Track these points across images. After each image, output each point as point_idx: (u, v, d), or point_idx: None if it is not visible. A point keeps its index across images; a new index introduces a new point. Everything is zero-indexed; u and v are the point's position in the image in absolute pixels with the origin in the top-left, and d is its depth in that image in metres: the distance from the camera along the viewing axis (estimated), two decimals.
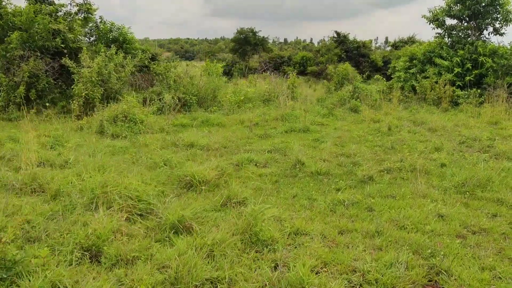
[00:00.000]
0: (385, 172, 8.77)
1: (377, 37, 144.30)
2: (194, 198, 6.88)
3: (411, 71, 23.65)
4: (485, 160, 9.99)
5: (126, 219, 5.68)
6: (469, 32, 23.31)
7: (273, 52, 60.52)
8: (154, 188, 6.71)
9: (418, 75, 23.08)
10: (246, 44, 54.18)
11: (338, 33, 61.57)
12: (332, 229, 5.79)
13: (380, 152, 10.81)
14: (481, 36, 23.41)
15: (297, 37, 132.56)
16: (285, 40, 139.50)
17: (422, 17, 23.91)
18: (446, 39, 23.86)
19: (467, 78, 21.41)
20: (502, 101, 18.02)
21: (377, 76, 25.50)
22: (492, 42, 22.66)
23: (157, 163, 8.64)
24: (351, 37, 61.35)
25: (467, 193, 7.45)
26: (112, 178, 6.47)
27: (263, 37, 55.28)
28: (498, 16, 22.49)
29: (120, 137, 11.62)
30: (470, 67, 21.68)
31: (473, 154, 10.57)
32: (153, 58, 20.44)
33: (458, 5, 22.59)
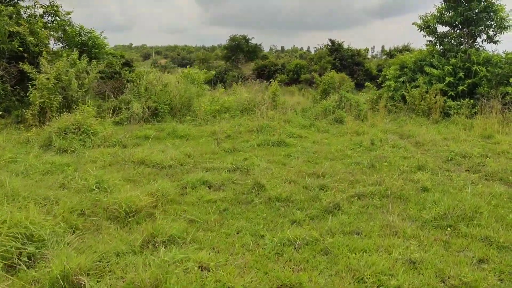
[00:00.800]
0: (356, 198, 7.42)
1: (374, 46, 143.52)
2: (113, 235, 5.53)
3: (401, 79, 22.37)
4: (474, 182, 8.66)
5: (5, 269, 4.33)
6: (462, 39, 22.06)
7: (268, 59, 59.25)
8: (59, 222, 5.35)
9: (408, 84, 21.82)
10: (239, 51, 52.99)
11: (332, 41, 60.50)
12: (268, 283, 4.44)
13: (357, 171, 9.47)
14: (474, 44, 22.15)
15: (294, 45, 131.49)
16: (282, 48, 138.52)
17: (413, 24, 22.67)
18: (438, 47, 22.60)
19: (460, 87, 20.14)
20: (496, 113, 16.71)
21: (367, 84, 24.20)
22: (486, 50, 21.41)
23: (89, 185, 7.28)
24: (345, 46, 60.47)
25: (449, 228, 6.10)
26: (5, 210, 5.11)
27: (256, 44, 54.12)
28: (492, 23, 21.24)
29: (68, 151, 10.28)
30: (463, 76, 20.42)
31: (461, 175, 9.23)
32: (128, 64, 19.12)
33: (450, 11, 21.36)
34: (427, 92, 19.90)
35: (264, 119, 14.67)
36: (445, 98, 19.63)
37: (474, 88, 20.32)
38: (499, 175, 9.25)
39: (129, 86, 16.38)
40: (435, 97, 19.24)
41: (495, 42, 21.72)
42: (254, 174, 8.57)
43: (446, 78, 20.48)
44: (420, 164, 9.93)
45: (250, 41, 53.68)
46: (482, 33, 21.86)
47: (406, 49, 54.94)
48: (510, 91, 18.23)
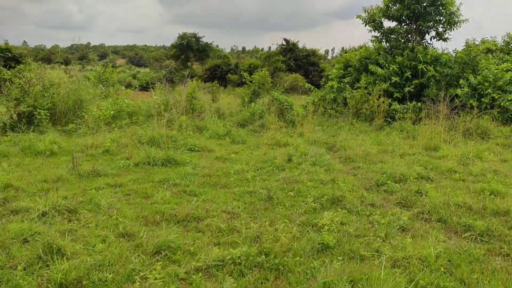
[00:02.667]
0: (198, 272, 4.37)
1: (334, 47, 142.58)
2: None
3: (345, 80, 19.61)
4: (405, 227, 5.80)
5: None
6: (409, 36, 19.48)
7: (221, 59, 56.02)
8: None
9: (351, 86, 19.10)
10: (188, 50, 49.55)
11: (287, 41, 57.86)
12: None
13: (243, 209, 6.47)
14: (423, 41, 19.62)
15: (255, 46, 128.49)
16: (243, 48, 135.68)
17: (357, 17, 19.94)
18: (384, 43, 19.97)
19: (407, 89, 17.56)
20: (443, 118, 14.09)
21: (307, 85, 21.38)
22: (435, 48, 18.88)
23: None
24: (300, 45, 57.95)
25: None
26: None
27: (207, 43, 50.77)
28: (441, 18, 18.73)
29: None
30: (410, 76, 17.85)
31: (388, 213, 6.33)
32: (15, 60, 15.62)
33: (397, 4, 18.71)
34: (370, 94, 17.20)
35: (163, 128, 11.48)
36: (390, 100, 16.97)
37: (422, 89, 17.78)
38: (440, 212, 6.42)
39: (5, 86, 12.94)
40: (378, 99, 16.54)
41: (445, 40, 19.27)
42: (68, 224, 5.41)
43: (392, 78, 17.89)
44: (335, 196, 7.00)
45: (200, 40, 50.35)
46: (431, 29, 19.37)
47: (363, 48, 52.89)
48: (459, 94, 15.70)
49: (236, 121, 15.70)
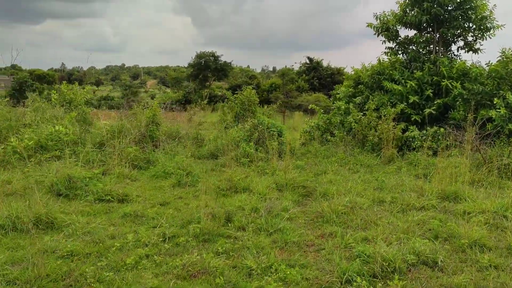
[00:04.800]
0: None
1: None
2: None
3: (356, 100, 16.05)
4: None
5: None
6: (432, 46, 15.78)
7: (242, 79, 53.15)
8: None
9: (362, 106, 15.57)
10: (206, 69, 46.86)
11: (310, 59, 54.52)
12: None
13: None
14: (448, 52, 15.87)
15: (285, 66, 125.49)
16: (274, 68, 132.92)
17: (367, 26, 16.40)
18: (402, 55, 16.31)
19: (427, 110, 13.82)
20: (472, 150, 10.36)
21: (312, 106, 17.88)
22: (462, 60, 15.07)
23: None
24: (325, 64, 54.49)
25: None
26: None
27: (225, 62, 47.95)
28: (470, 24, 14.96)
29: None
30: (431, 94, 14.12)
31: None
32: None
33: (415, 8, 15.09)
34: (380, 117, 13.58)
35: (76, 166, 8.29)
36: (404, 125, 13.31)
37: (446, 111, 14.01)
38: None
39: None
40: (388, 124, 12.89)
41: (475, 51, 15.45)
42: None
43: (410, 97, 14.19)
44: None
45: (219, 59, 47.61)
46: (458, 38, 15.62)
47: None
48: (493, 116, 11.88)
49: (208, 151, 12.40)
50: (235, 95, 14.71)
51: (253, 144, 11.95)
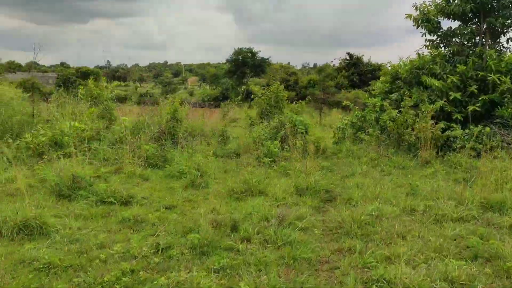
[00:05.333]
0: None
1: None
2: None
3: (392, 96, 14.94)
4: None
5: None
6: (477, 38, 14.43)
7: (295, 76, 52.18)
8: None
9: (399, 103, 14.46)
10: (244, 65, 46.16)
11: (350, 55, 52.88)
12: None
13: None
14: (497, 44, 14.48)
15: (326, 62, 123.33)
16: (315, 65, 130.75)
17: (406, 17, 15.21)
18: (444, 49, 15.03)
19: (471, 107, 12.60)
20: None
21: (345, 102, 16.83)
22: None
23: None
24: (365, 59, 52.73)
25: None
26: None
27: (263, 58, 47.08)
28: None
29: None
30: (476, 90, 12.85)
31: None
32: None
33: None
34: (417, 115, 12.47)
35: (84, 164, 7.78)
36: (445, 123, 12.14)
37: (493, 108, 12.70)
38: None
39: None
40: (427, 122, 11.78)
41: None
42: None
43: (451, 93, 12.98)
44: None
45: (256, 55, 46.81)
46: (509, 29, 14.20)
47: None
48: None
49: (231, 149, 11.71)
50: (261, 91, 13.93)
51: (277, 143, 11.14)
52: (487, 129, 11.66)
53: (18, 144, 9.33)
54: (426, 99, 13.28)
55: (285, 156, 10.68)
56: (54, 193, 7.05)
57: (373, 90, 16.83)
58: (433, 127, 11.56)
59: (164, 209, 6.74)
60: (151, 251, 4.94)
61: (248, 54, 45.91)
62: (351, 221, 6.01)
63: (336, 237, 5.70)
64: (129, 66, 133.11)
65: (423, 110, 12.32)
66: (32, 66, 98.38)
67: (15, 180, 7.48)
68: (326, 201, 7.46)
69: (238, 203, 7.11)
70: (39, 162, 8.73)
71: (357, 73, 50.64)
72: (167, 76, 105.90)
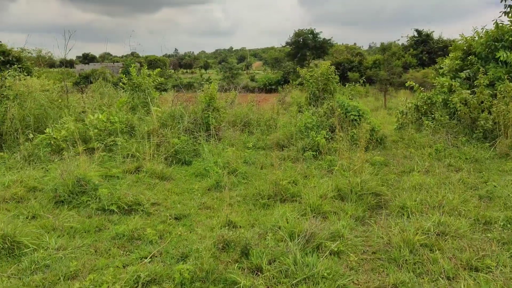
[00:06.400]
0: None
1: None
2: None
3: (462, 74, 12.83)
4: None
5: None
6: None
7: (361, 57, 49.74)
8: None
9: (472, 82, 12.38)
10: (305, 47, 44.15)
11: (419, 32, 49.14)
12: None
13: None
14: None
15: (394, 41, 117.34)
16: (382, 44, 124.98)
17: None
18: None
19: None
20: None
21: (410, 82, 14.77)
22: None
23: None
24: (435, 36, 48.74)
25: None
26: None
27: (324, 39, 44.77)
28: None
29: None
30: None
31: None
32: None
33: None
34: (495, 96, 10.40)
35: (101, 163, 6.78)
36: None
37: None
38: None
39: None
40: (508, 104, 9.71)
41: None
42: None
43: None
44: None
45: (318, 36, 44.54)
46: None
47: None
48: None
49: (274, 139, 10.34)
50: (309, 73, 12.36)
51: (324, 132, 9.61)
52: None
53: (37, 140, 8.54)
54: (504, 76, 11.09)
55: (333, 148, 9.14)
56: (55, 198, 6.09)
57: (441, 68, 14.66)
58: None
59: (172, 219, 5.56)
60: (127, 287, 3.74)
61: (309, 35, 43.84)
62: (401, 242, 4.47)
63: (379, 266, 4.21)
64: (196, 53, 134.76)
65: (501, 89, 10.22)
66: (105, 57, 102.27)
67: (22, 181, 6.63)
68: (374, 208, 5.92)
69: (263, 212, 5.78)
70: (56, 160, 7.90)
71: (427, 51, 46.95)
72: (231, 62, 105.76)
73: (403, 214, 5.47)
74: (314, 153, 8.69)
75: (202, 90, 10.78)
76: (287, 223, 5.03)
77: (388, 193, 6.30)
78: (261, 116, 13.04)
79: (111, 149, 8.61)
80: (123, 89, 13.98)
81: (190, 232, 5.16)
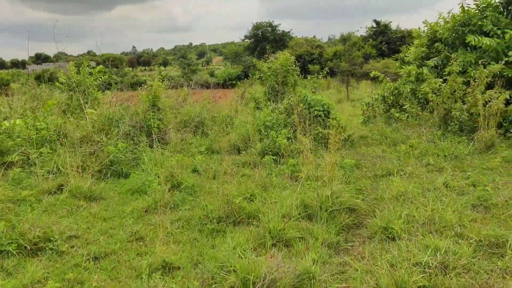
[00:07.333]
0: None
1: None
2: None
3: (429, 63, 11.88)
4: None
5: None
6: None
7: (304, 48, 48.83)
8: None
9: (440, 71, 11.49)
10: (264, 40, 42.86)
11: (377, 22, 48.89)
12: None
13: None
14: None
15: (353, 32, 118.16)
16: (341, 35, 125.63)
17: None
18: None
19: None
20: None
21: (374, 72, 13.69)
22: None
23: None
24: (393, 26, 48.58)
25: None
26: None
27: (283, 31, 43.63)
28: None
29: None
30: None
31: None
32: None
33: None
34: (467, 84, 9.46)
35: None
36: (504, 92, 9.06)
37: None
38: None
39: None
40: (482, 94, 8.75)
41: None
42: None
43: (510, 53, 9.85)
44: None
45: (277, 28, 43.32)
46: None
47: None
48: None
49: (230, 142, 9.02)
50: (267, 65, 11.10)
51: (287, 131, 8.37)
52: None
53: None
54: (474, 62, 10.21)
55: (296, 150, 7.91)
56: None
57: (406, 56, 13.73)
58: (496, 99, 8.51)
59: (90, 260, 4.15)
60: None
61: (268, 28, 42.56)
62: (394, 286, 3.25)
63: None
64: (154, 50, 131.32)
65: (475, 76, 9.28)
66: (59, 57, 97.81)
67: None
68: (350, 228, 4.71)
69: (211, 241, 4.46)
70: None
71: (385, 41, 46.72)
72: (190, 58, 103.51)
73: (388, 237, 4.28)
74: (274, 157, 7.43)
75: (145, 88, 9.31)
76: (241, 258, 3.73)
77: (365, 207, 5.10)
78: (217, 114, 11.70)
79: (36, 162, 7.06)
80: (60, 89, 12.28)
81: (111, 280, 3.78)
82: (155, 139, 8.04)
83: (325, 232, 4.48)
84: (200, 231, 4.77)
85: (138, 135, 8.25)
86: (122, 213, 5.43)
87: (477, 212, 4.96)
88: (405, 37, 47.70)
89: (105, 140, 7.94)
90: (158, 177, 6.28)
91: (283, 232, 4.44)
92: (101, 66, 13.61)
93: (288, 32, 44.99)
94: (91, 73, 12.36)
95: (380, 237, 4.31)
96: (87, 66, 13.37)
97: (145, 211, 5.48)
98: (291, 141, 8.36)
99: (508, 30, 10.01)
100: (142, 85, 10.15)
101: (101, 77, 12.66)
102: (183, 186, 6.10)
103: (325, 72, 13.57)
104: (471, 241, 4.11)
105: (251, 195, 5.59)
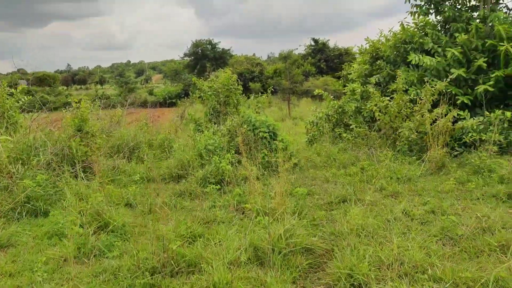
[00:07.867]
0: None
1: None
2: None
3: (372, 80, 11.67)
4: None
5: None
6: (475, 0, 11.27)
7: (243, 66, 48.60)
8: None
9: (383, 88, 11.34)
10: (204, 58, 42.19)
11: (315, 40, 49.77)
12: None
13: None
14: (500, 4, 11.35)
15: (292, 51, 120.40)
16: (281, 53, 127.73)
17: None
18: (433, 16, 11.80)
19: (480, 88, 9.41)
20: None
21: (318, 91, 13.32)
22: None
23: None
24: (331, 44, 49.64)
25: None
26: None
27: (223, 49, 43.22)
28: None
29: None
30: (484, 64, 9.67)
31: None
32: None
33: None
34: (414, 102, 9.23)
35: None
36: (455, 111, 8.87)
37: (509, 87, 9.61)
38: None
39: None
40: (429, 111, 8.53)
41: None
42: None
43: (453, 70, 9.77)
44: None
45: (217, 46, 42.84)
46: None
47: None
48: None
49: (169, 168, 8.16)
50: (208, 84, 10.38)
51: (231, 155, 7.65)
52: (508, 113, 8.52)
53: None
54: (417, 82, 10.10)
55: (242, 176, 7.20)
56: None
57: (349, 73, 13.55)
58: (444, 116, 8.29)
59: None
60: None
61: (207, 46, 41.96)
62: None
63: None
64: (90, 68, 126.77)
65: (421, 95, 9.09)
66: None
67: None
68: (308, 273, 4.04)
69: None
70: None
71: (324, 59, 47.53)
72: (128, 76, 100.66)
73: (353, 285, 3.65)
74: (218, 186, 6.67)
75: (69, 111, 8.27)
76: None
77: (323, 246, 4.46)
78: (154, 137, 10.79)
79: None
80: None
81: None
82: (79, 169, 7.03)
83: (280, 282, 3.78)
84: (130, 287, 3.90)
85: (60, 165, 7.20)
86: (34, 264, 4.42)
87: (444, 245, 4.47)
88: (343, 55, 48.93)
89: (22, 171, 6.84)
90: (82, 215, 5.32)
91: (230, 285, 3.68)
92: (24, 85, 12.30)
93: (228, 50, 44.67)
94: (11, 94, 11.08)
95: (345, 285, 3.67)
96: (10, 85, 12.04)
97: (65, 260, 4.51)
98: (236, 166, 7.65)
99: (449, 49, 9.97)
100: (66, 106, 9.07)
101: (23, 98, 11.38)
102: (111, 227, 5.17)
103: (270, 91, 13.05)
104: (447, 285, 3.56)
105: (191, 236, 4.80)
